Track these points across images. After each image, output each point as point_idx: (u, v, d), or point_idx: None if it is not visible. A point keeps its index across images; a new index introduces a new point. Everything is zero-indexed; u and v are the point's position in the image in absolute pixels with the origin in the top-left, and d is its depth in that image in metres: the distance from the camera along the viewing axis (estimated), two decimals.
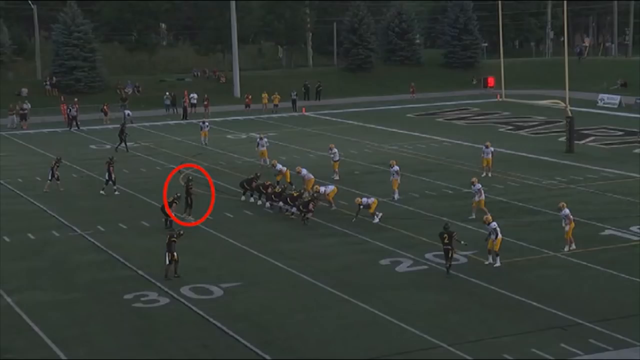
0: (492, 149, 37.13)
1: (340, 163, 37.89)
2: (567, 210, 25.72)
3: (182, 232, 25.32)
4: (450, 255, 23.58)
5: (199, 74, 78.08)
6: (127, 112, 57.65)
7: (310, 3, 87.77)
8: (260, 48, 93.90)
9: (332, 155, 37.63)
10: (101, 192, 35.02)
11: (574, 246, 25.63)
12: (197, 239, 28.18)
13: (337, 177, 36.84)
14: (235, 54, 73.10)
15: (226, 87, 73.74)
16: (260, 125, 56.89)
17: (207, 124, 49.16)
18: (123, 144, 46.36)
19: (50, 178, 35.92)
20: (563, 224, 25.85)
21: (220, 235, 28.56)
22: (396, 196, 32.87)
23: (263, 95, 64.77)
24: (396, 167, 33.15)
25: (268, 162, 39.10)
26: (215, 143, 48.23)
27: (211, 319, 20.72)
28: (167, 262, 23.78)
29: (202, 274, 24.30)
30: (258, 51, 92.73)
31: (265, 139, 41.62)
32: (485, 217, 25.40)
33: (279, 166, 35.32)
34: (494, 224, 24.52)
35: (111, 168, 35.24)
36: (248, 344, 19.20)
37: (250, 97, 63.94)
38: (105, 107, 59.43)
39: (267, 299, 22.21)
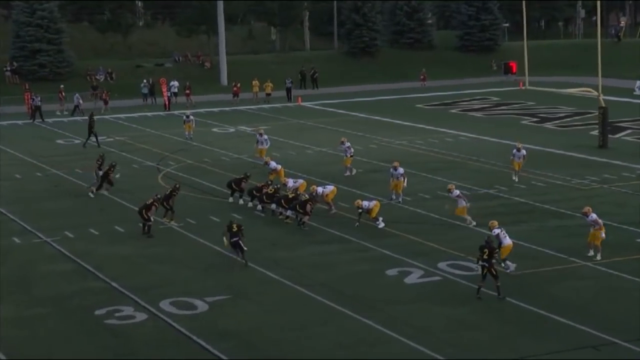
0: (524, 151, 36.37)
1: (341, 160, 38.03)
2: (594, 215, 25.81)
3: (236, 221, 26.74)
4: (485, 273, 22.75)
5: (180, 58, 78.17)
6: (76, 96, 58.33)
7: None
8: (250, 29, 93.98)
9: (344, 151, 38.17)
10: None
11: (599, 257, 25.70)
12: (178, 246, 28.28)
13: (347, 173, 37.65)
14: (222, 36, 73.17)
15: (211, 74, 73.84)
16: (251, 117, 57.03)
17: (191, 117, 49.15)
18: (94, 138, 46.46)
19: (100, 180, 35.36)
20: (592, 230, 25.88)
21: (204, 242, 28.61)
22: (400, 198, 32.97)
23: (253, 82, 64.86)
24: (401, 170, 33.01)
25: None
26: (199, 137, 48.31)
27: (195, 337, 20.78)
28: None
29: (185, 285, 24.36)
30: (248, 33, 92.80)
31: (266, 136, 41.39)
32: (490, 222, 25.44)
33: (273, 164, 35.44)
34: (496, 230, 24.63)
35: (110, 171, 35.10)
36: None
37: (238, 85, 63.98)
38: (105, 94, 60.09)
39: (258, 314, 22.28)
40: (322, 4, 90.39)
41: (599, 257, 25.66)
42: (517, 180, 36.13)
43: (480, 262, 22.92)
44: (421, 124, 52.71)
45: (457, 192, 30.07)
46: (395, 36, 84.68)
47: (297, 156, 42.95)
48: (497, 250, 23.26)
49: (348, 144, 38.17)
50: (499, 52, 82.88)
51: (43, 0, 70.93)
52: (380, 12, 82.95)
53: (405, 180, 33.02)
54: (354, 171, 38.13)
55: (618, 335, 20.29)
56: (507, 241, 24.74)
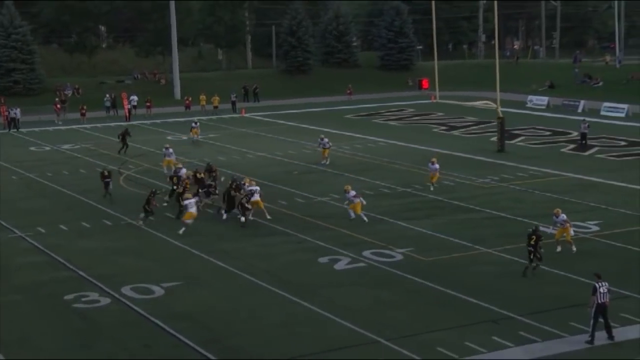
0: (437, 165, 34.58)
1: (279, 163, 37.99)
2: (564, 215, 25.62)
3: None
4: (532, 257, 23.25)
5: (139, 76, 77.23)
6: (17, 111, 56.40)
7: (249, 4, 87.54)
8: (200, 50, 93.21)
9: (322, 145, 40.43)
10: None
11: (574, 248, 25.43)
12: (137, 239, 27.94)
13: (327, 162, 40.15)
14: (175, 56, 72.54)
15: (166, 89, 73.12)
16: (201, 126, 56.43)
17: (198, 123, 49.54)
18: (125, 148, 45.20)
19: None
20: (561, 228, 25.45)
21: (161, 235, 28.30)
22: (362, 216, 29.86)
23: (201, 97, 64.36)
24: (352, 192, 29.76)
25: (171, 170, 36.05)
26: (155, 144, 47.80)
27: (152, 318, 20.55)
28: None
29: (143, 273, 24.08)
30: (198, 53, 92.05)
31: (171, 150, 39.05)
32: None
33: (183, 171, 33.35)
34: (188, 201, 27.61)
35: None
36: (190, 343, 19.10)
37: (190, 99, 63.52)
38: (82, 108, 59.10)
39: (210, 298, 22.11)
40: (262, 29, 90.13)
41: (574, 249, 25.31)
42: (432, 189, 34.37)
43: (529, 247, 23.30)
44: (348, 131, 52.85)
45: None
46: (326, 56, 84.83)
47: (240, 160, 42.76)
48: (542, 237, 23.50)
49: (327, 140, 40.67)
50: (414, 71, 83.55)
51: (17, 25, 69.60)
52: (312, 36, 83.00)
53: (362, 199, 29.91)
54: (328, 161, 40.27)
55: (514, 310, 20.64)
56: (192, 210, 27.86)
